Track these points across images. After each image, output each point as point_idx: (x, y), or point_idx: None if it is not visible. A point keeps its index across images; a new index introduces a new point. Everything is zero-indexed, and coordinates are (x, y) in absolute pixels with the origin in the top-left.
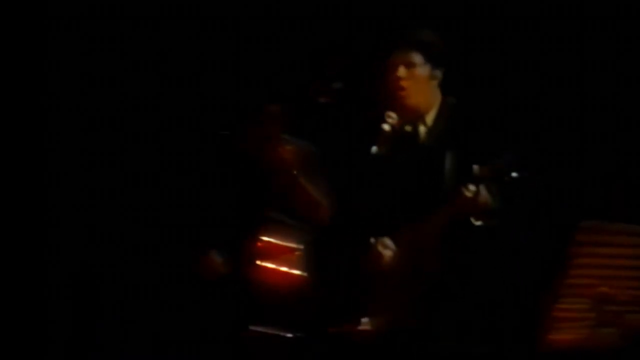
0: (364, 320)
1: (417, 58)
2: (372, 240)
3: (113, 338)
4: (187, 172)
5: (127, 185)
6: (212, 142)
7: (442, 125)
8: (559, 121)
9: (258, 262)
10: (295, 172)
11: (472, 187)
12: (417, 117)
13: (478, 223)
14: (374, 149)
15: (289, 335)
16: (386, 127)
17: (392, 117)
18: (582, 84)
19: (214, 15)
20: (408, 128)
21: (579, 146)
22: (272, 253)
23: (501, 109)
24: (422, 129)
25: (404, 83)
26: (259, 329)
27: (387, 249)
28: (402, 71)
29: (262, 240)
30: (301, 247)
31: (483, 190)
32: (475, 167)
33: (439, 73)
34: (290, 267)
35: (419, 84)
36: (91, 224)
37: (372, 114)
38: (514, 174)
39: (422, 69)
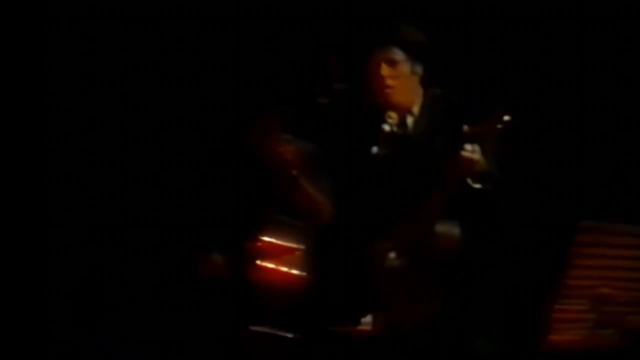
0: (364, 320)
1: (398, 55)
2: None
3: (113, 338)
4: (187, 172)
5: (127, 185)
6: (213, 142)
7: (429, 115)
8: (559, 121)
9: (258, 262)
10: (296, 172)
11: (468, 147)
12: (403, 112)
13: (476, 186)
14: (374, 149)
15: (289, 335)
16: (386, 127)
17: (392, 117)
18: (582, 84)
19: (214, 15)
20: (397, 129)
21: (579, 146)
22: (272, 253)
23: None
24: (409, 120)
25: (388, 81)
26: (259, 329)
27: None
28: (385, 69)
29: (262, 240)
30: (301, 247)
31: (477, 148)
32: (466, 127)
33: (419, 69)
34: (291, 267)
35: (402, 81)
36: (92, 224)
37: (372, 114)
38: (506, 118)
39: (404, 66)
